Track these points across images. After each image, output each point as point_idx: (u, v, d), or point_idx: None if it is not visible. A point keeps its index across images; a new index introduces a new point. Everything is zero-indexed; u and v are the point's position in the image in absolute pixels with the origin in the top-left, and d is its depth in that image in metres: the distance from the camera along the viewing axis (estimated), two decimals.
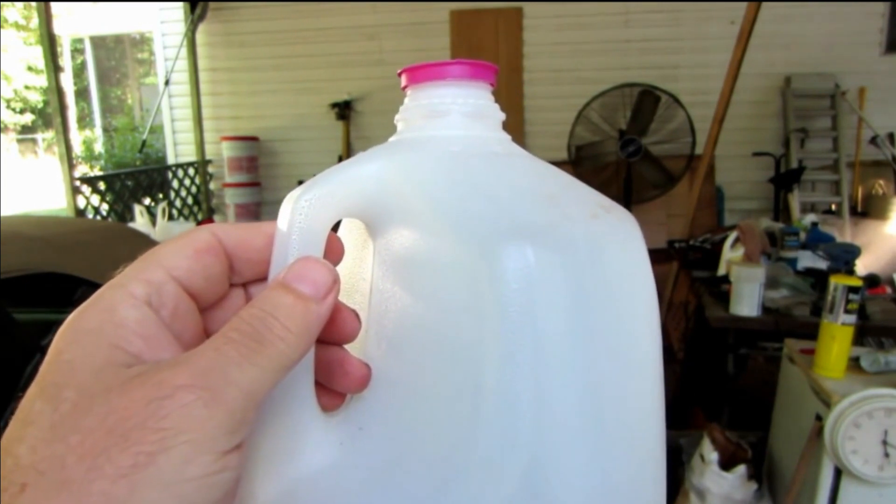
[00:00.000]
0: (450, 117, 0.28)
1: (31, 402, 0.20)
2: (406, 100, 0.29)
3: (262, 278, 0.26)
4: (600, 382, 0.25)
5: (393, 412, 0.26)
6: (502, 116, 0.30)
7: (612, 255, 0.27)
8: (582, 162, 4.54)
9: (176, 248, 0.24)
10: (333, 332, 0.26)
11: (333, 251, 0.27)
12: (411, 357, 0.25)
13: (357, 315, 0.26)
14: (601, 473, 0.25)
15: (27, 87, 14.35)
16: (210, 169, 5.57)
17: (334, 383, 0.26)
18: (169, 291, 0.24)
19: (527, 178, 0.27)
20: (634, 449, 0.27)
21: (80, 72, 9.40)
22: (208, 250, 0.25)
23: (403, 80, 0.29)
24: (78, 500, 0.18)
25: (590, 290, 0.25)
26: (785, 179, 4.39)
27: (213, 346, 0.21)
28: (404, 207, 0.26)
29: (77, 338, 0.21)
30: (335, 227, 0.27)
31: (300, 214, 0.25)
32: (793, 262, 2.43)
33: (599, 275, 0.26)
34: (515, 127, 5.08)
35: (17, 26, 13.19)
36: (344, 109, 5.23)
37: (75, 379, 0.20)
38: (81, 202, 4.13)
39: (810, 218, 3.08)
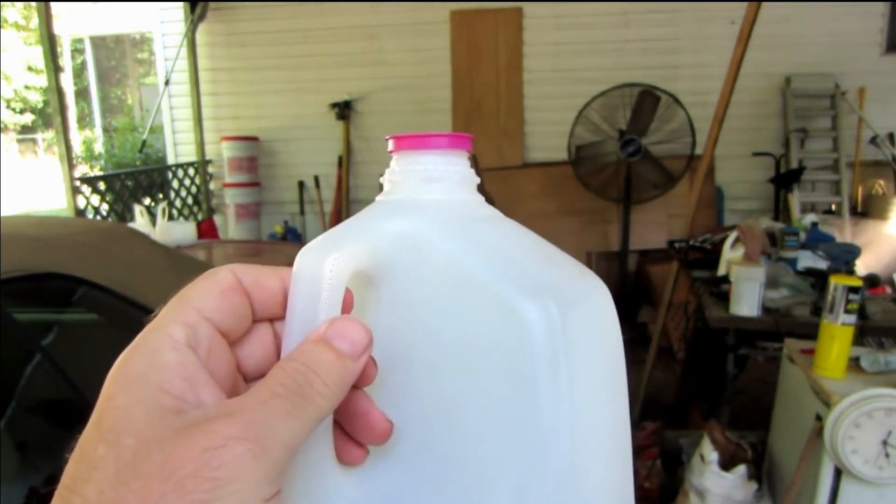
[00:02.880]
0: (443, 183, 0.31)
1: (94, 446, 0.22)
2: (393, 163, 0.32)
3: (274, 317, 0.29)
4: (601, 418, 0.29)
5: (408, 450, 0.28)
6: (478, 180, 0.34)
7: (599, 308, 0.31)
8: (582, 162, 4.54)
9: (204, 289, 0.26)
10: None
11: (345, 301, 0.28)
12: (431, 397, 0.28)
13: (375, 362, 0.28)
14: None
15: (27, 87, 14.35)
16: (210, 169, 5.57)
17: (357, 433, 0.28)
18: (203, 331, 0.25)
19: (524, 240, 0.31)
20: (616, 466, 0.31)
21: (80, 72, 9.40)
22: (233, 289, 0.27)
23: (391, 146, 0.32)
24: None
25: (590, 338, 0.29)
26: (785, 179, 4.39)
27: (259, 398, 0.23)
28: (421, 263, 0.29)
29: (127, 382, 0.23)
30: None
31: (330, 272, 0.27)
32: (793, 262, 2.42)
33: (593, 325, 0.30)
34: (515, 127, 5.08)
35: (17, 26, 13.19)
36: (344, 109, 5.23)
37: (132, 425, 0.22)
38: (81, 202, 4.13)
39: (810, 218, 3.08)
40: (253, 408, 0.23)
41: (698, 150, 4.07)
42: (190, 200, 5.39)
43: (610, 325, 0.31)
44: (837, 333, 1.53)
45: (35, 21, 8.18)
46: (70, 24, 6.67)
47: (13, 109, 14.90)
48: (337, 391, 0.25)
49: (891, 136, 4.64)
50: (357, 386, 0.28)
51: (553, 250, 0.32)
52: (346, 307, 0.28)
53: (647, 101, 4.34)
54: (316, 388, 0.24)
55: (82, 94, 10.10)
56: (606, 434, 0.30)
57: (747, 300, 2.12)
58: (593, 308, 0.30)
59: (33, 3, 7.78)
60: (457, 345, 0.28)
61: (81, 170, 8.43)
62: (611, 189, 4.56)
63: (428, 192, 0.31)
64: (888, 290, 2.48)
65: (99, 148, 9.40)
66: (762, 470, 1.84)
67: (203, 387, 0.24)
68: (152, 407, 0.23)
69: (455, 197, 0.31)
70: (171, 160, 5.69)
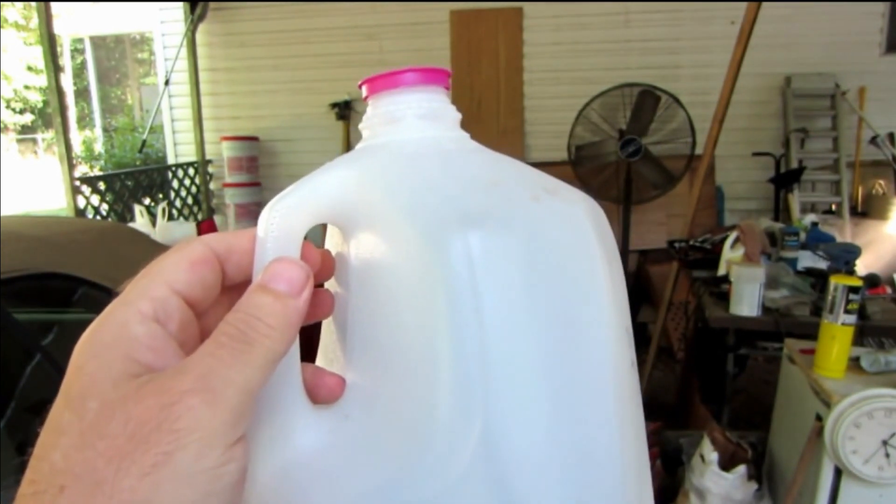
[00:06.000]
0: (405, 122, 0.30)
1: (60, 413, 0.23)
2: (368, 109, 0.31)
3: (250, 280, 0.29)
4: (546, 352, 0.27)
5: (371, 399, 0.28)
6: (458, 116, 0.32)
7: (554, 234, 0.28)
8: (582, 162, 4.54)
9: (174, 263, 0.27)
10: (311, 311, 0.28)
11: (310, 258, 0.28)
12: (382, 347, 0.28)
13: (331, 294, 0.29)
14: (552, 436, 0.27)
15: (27, 87, 14.35)
16: (210, 169, 5.57)
17: (310, 392, 0.29)
18: (173, 305, 0.26)
19: (474, 170, 0.29)
20: (587, 413, 0.28)
21: (80, 72, 9.41)
22: (203, 261, 0.27)
23: (364, 92, 0.31)
24: (110, 497, 0.21)
25: (531, 268, 0.27)
26: (785, 179, 4.38)
27: (207, 351, 0.24)
28: (366, 210, 0.28)
29: (95, 352, 0.24)
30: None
31: (273, 223, 0.27)
32: (793, 262, 2.42)
33: (541, 254, 0.27)
34: (515, 127, 5.08)
35: (17, 26, 13.18)
36: (344, 109, 5.23)
37: (96, 390, 0.23)
38: (81, 202, 4.13)
39: (810, 218, 3.08)
40: (202, 361, 0.23)
41: (698, 150, 4.06)
42: (190, 200, 5.38)
43: (571, 251, 0.28)
44: (837, 333, 1.53)
45: (35, 21, 8.17)
46: (70, 24, 6.67)
47: (13, 109, 14.90)
48: (284, 330, 0.25)
49: (891, 136, 4.64)
50: (316, 318, 0.29)
51: (516, 177, 0.29)
52: (311, 263, 0.28)
53: (647, 101, 4.34)
54: (260, 332, 0.24)
55: (82, 94, 10.10)
56: (560, 382, 0.27)
57: (747, 300, 2.12)
58: (544, 233, 0.27)
59: (33, 3, 7.78)
60: (400, 292, 0.27)
61: (81, 170, 8.42)
62: (611, 189, 4.56)
63: (389, 134, 0.30)
64: (888, 290, 2.48)
65: (99, 148, 9.39)
66: (762, 470, 1.84)
67: (171, 357, 0.24)
68: (118, 373, 0.23)
69: (415, 136, 0.30)
70: (171, 160, 5.68)
